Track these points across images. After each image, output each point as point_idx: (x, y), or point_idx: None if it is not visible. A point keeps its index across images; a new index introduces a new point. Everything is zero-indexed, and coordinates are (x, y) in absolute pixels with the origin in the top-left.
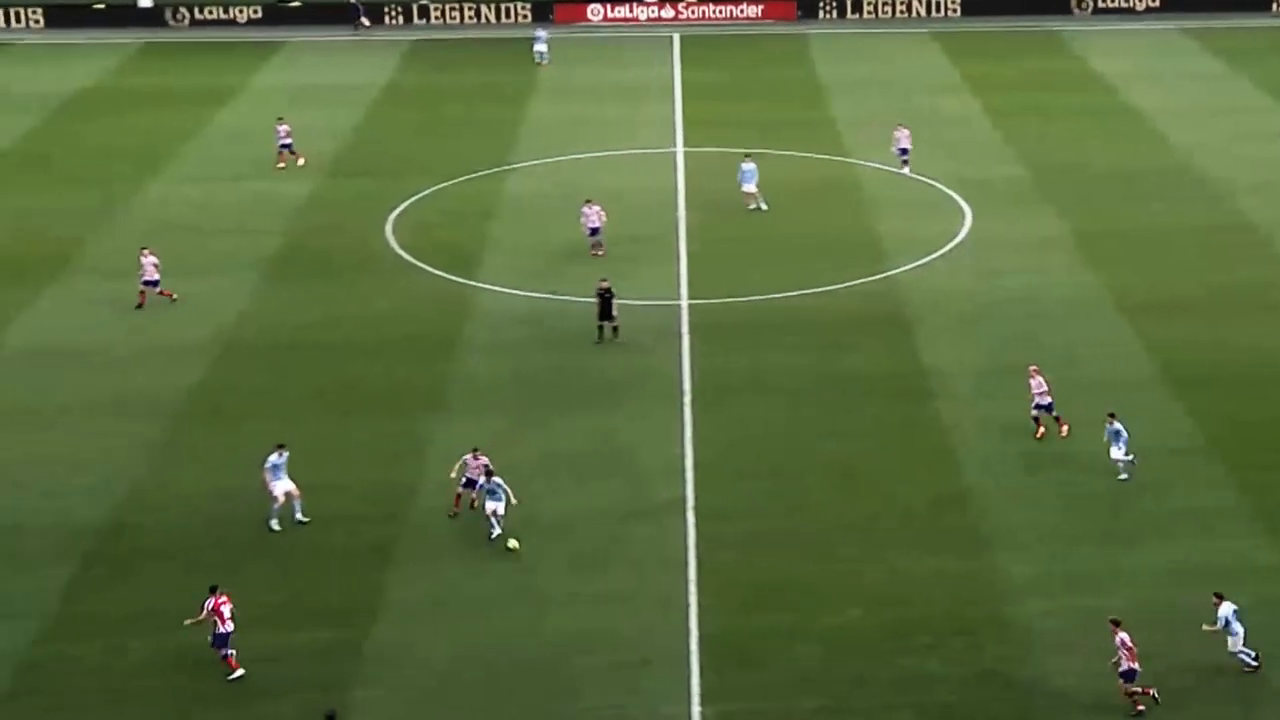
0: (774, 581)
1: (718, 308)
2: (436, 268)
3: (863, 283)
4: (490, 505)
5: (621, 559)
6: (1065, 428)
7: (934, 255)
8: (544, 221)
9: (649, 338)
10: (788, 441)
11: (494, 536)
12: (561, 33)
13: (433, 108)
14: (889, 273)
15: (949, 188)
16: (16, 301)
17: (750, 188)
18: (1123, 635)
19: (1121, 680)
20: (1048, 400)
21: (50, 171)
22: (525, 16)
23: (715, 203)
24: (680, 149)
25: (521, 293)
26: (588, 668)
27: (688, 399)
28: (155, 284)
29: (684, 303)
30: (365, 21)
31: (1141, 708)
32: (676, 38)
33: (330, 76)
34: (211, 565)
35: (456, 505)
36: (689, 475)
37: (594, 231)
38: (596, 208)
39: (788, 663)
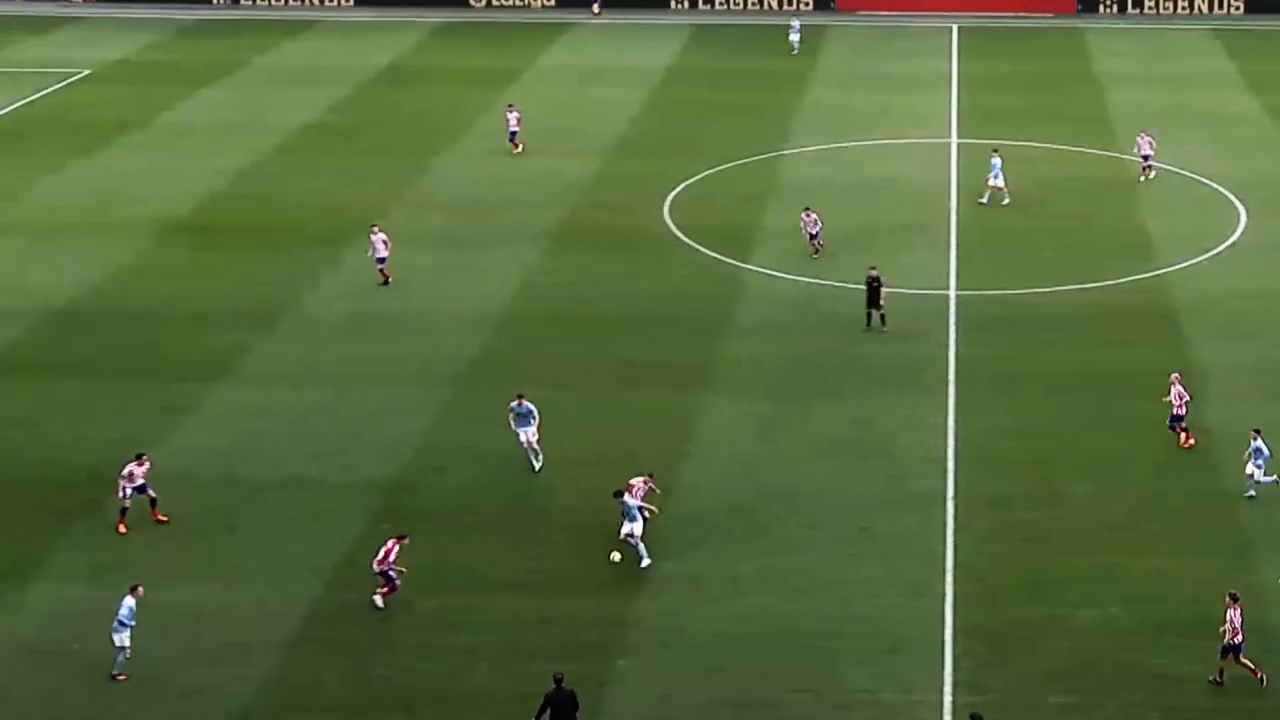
0: (1031, 574)
1: (986, 299)
2: (710, 249)
3: (1133, 280)
4: (627, 527)
5: (879, 546)
6: (1191, 440)
7: (1207, 255)
8: (818, 207)
9: (916, 327)
10: (1050, 435)
11: (616, 559)
12: (842, 20)
13: (713, 91)
14: (1160, 271)
15: (1225, 187)
16: (323, 264)
17: (997, 181)
18: (1234, 613)
19: (1225, 653)
20: (1183, 411)
21: (354, 143)
22: (807, 4)
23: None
24: (955, 139)
25: (791, 277)
26: (842, 650)
27: (952, 389)
28: (384, 261)
29: (952, 293)
30: (596, 9)
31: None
32: (955, 28)
33: (616, 58)
34: (488, 527)
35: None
36: (950, 466)
37: (813, 237)
38: (814, 215)
39: (1040, 656)
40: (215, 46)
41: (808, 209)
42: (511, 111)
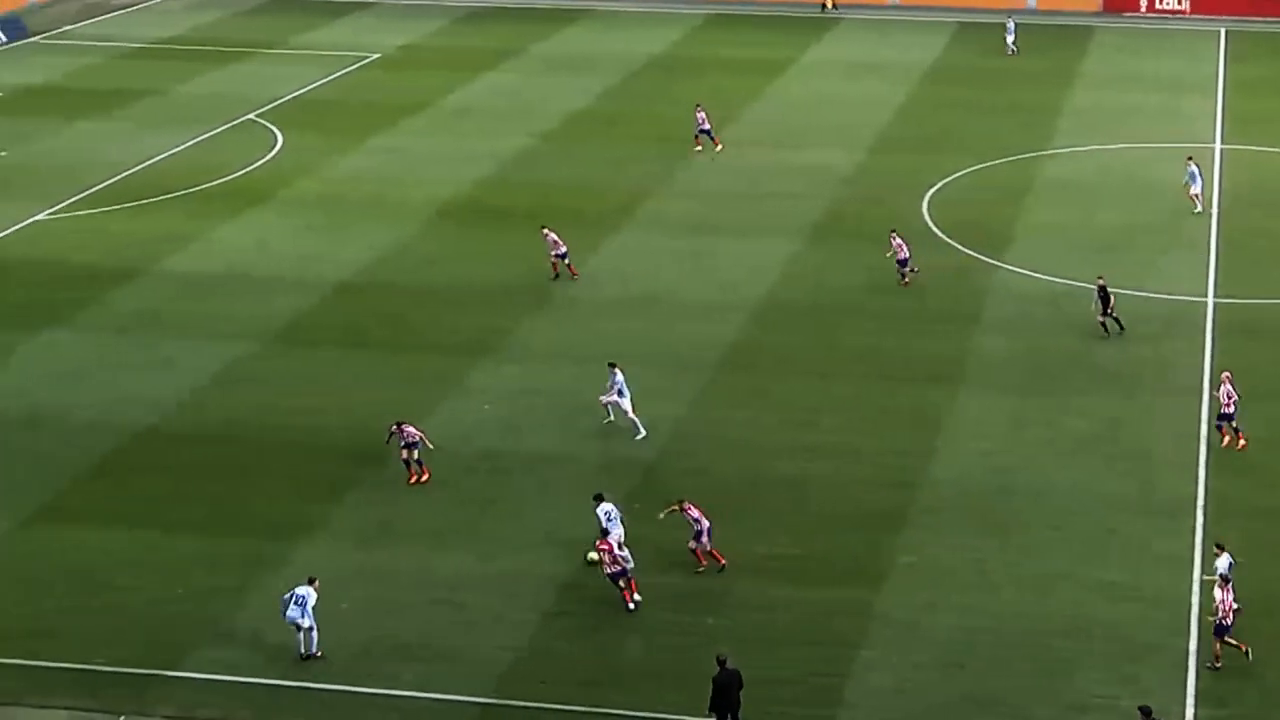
0: None
1: (1245, 306)
2: (966, 245)
3: None
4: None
5: (1125, 549)
6: (1243, 441)
7: None
8: (1077, 208)
9: (1172, 331)
10: None
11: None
12: (1111, 22)
13: (976, 88)
14: None
15: None
16: (588, 247)
17: (1196, 189)
18: (1225, 593)
19: (1217, 634)
20: (1231, 410)
21: (622, 130)
22: (1096, 4)
23: (1252, 201)
24: (1219, 145)
25: (1046, 276)
26: (1083, 653)
27: (1205, 396)
28: (564, 256)
29: (1210, 299)
30: (828, 4)
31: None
32: (1223, 31)
33: (880, 53)
34: (734, 511)
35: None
36: (1201, 473)
37: (902, 264)
38: (900, 240)
39: None
40: (495, 33)
41: (894, 230)
42: (699, 110)
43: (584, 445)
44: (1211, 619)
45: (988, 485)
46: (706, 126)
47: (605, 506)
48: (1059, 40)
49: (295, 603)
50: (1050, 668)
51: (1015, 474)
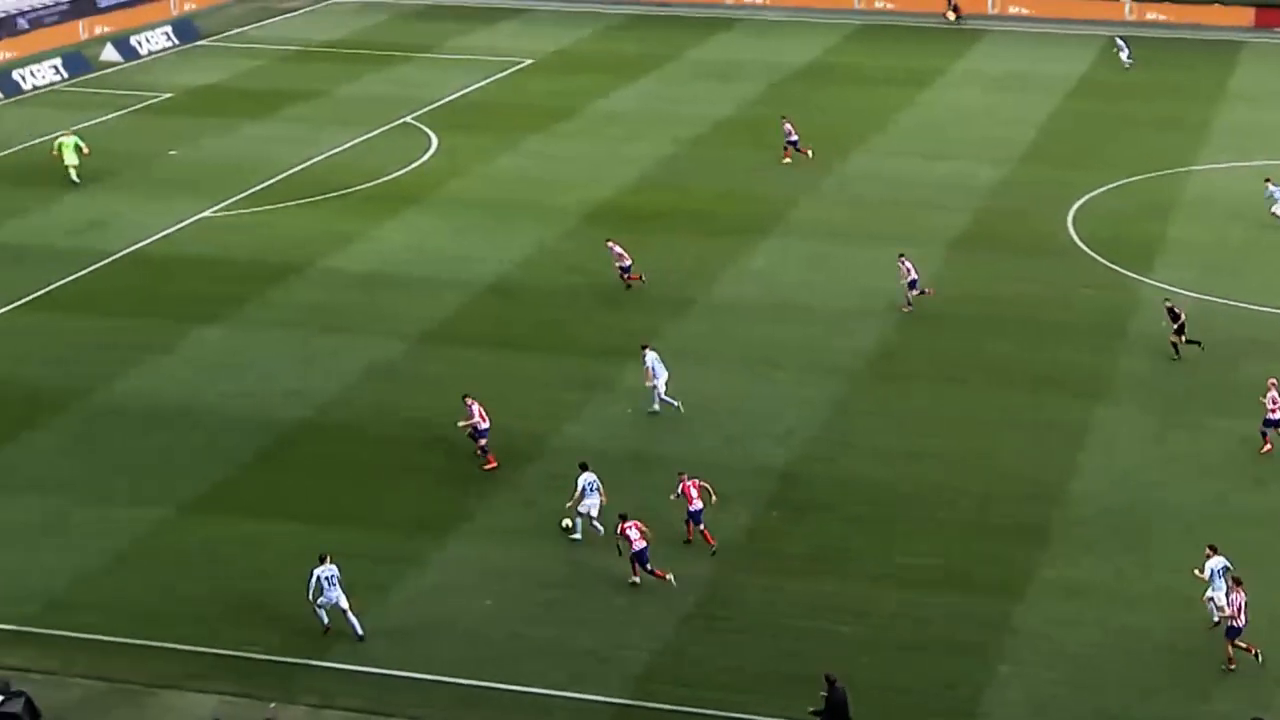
0: None
1: None
2: (1111, 260)
3: None
4: (587, 503)
5: (1268, 574)
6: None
7: None
8: (1222, 225)
9: None
10: None
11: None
12: (1263, 37)
13: (1125, 103)
14: None
15: None
16: (732, 253)
17: (1278, 210)
18: (1238, 596)
19: (1230, 636)
20: (1277, 416)
21: (769, 137)
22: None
23: None
24: None
25: (1192, 293)
26: (1223, 675)
27: None
28: (627, 269)
29: None
30: (950, 15)
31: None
32: None
33: (1029, 65)
34: (875, 519)
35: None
36: None
37: (911, 285)
38: (908, 264)
39: None
40: (648, 39)
41: (902, 255)
42: (786, 122)
43: (725, 450)
44: (1216, 623)
45: (1129, 501)
46: (794, 138)
47: (588, 476)
48: (1208, 55)
49: (329, 583)
50: (1188, 689)
51: (1157, 490)
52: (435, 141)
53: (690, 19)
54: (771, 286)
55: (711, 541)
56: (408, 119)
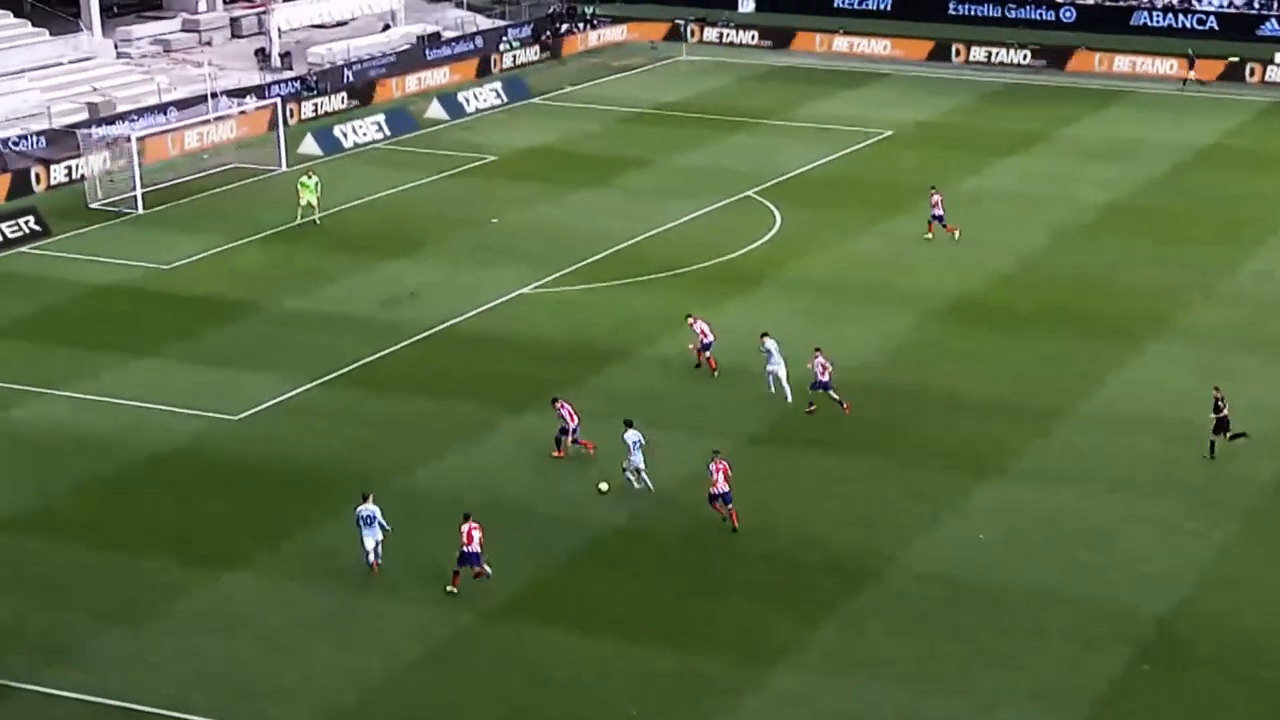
0: None
1: None
2: None
3: None
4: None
5: None
6: None
7: None
8: None
9: None
10: None
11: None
12: None
13: None
14: None
15: None
16: (1112, 359)
17: None
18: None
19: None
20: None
21: (1163, 226)
22: None
23: None
24: None
25: None
26: None
27: None
28: (708, 347)
29: None
30: (1193, 75)
31: None
32: None
33: None
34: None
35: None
36: None
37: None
38: (821, 360)
39: None
40: (1022, 113)
41: (818, 350)
42: (934, 194)
43: (1081, 581)
44: None
45: None
46: (939, 212)
47: (633, 434)
48: None
49: (366, 523)
50: None
51: None
52: (780, 219)
53: (1075, 90)
54: (1152, 398)
55: (736, 521)
56: (750, 193)
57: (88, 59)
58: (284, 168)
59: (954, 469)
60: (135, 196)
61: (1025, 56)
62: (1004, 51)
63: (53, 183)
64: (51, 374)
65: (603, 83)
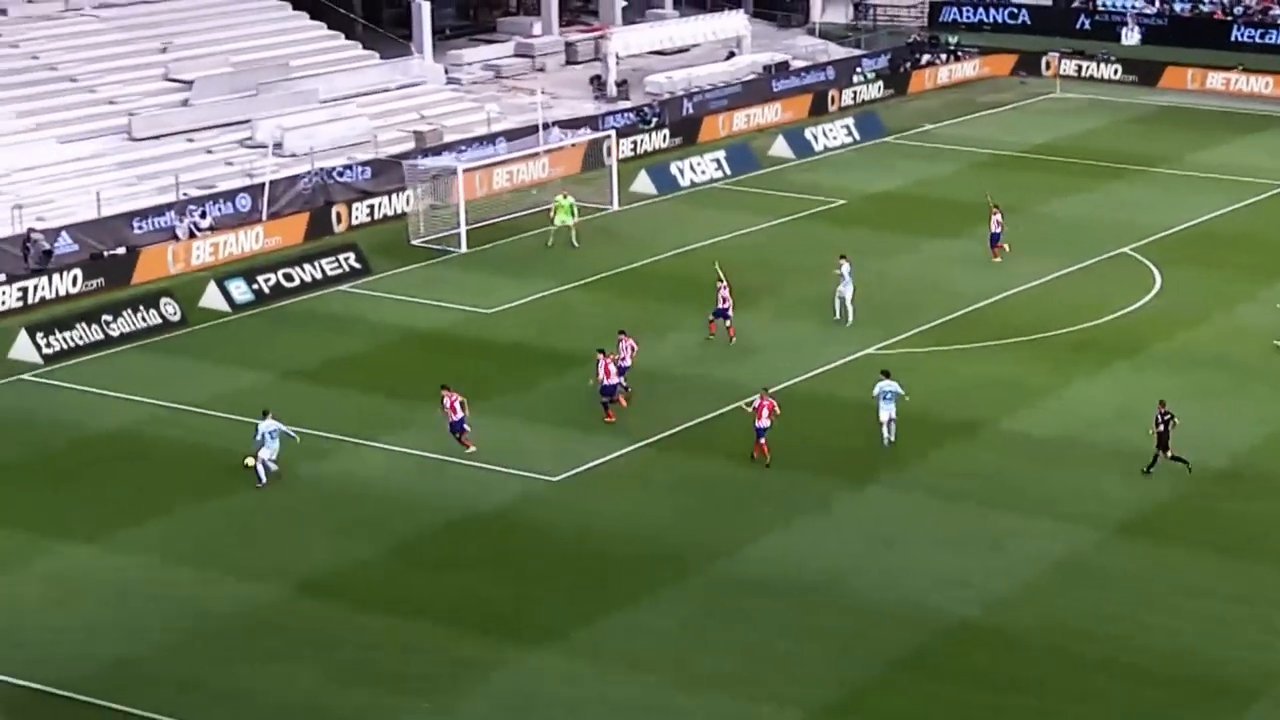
0: None
1: None
2: None
3: None
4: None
5: None
6: None
7: None
8: None
9: None
10: None
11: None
12: None
13: None
14: None
15: None
16: None
17: None
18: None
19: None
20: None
21: None
22: None
23: None
24: None
25: None
26: None
27: None
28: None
29: None
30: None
31: None
32: None
33: None
34: None
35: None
36: None
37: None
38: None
39: None
40: None
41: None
42: (995, 213)
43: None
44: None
45: None
46: (998, 231)
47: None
48: None
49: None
50: None
51: None
52: (1160, 279)
53: None
54: None
55: (768, 455)
56: (1126, 250)
57: (417, 84)
58: (615, 206)
59: None
60: (459, 234)
61: None
62: None
63: (377, 216)
64: (362, 423)
65: (965, 121)
